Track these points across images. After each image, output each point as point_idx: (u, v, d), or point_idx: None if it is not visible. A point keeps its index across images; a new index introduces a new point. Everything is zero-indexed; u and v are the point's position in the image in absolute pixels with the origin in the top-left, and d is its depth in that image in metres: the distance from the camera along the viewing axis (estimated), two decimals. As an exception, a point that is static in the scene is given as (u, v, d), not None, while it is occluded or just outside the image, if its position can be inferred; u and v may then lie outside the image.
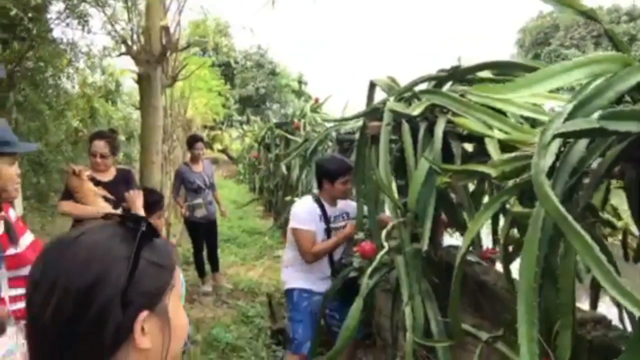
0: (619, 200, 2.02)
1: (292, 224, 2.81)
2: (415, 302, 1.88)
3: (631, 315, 1.66)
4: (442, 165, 1.81)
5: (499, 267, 2.06)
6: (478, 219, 1.41)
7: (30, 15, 4.04)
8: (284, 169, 5.97)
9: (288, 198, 5.44)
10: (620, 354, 1.33)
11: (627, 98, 1.16)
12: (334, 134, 3.98)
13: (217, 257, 5.07)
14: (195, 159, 4.85)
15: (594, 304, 1.83)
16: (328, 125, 4.76)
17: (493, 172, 1.53)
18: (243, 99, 24.15)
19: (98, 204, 2.91)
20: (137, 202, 2.46)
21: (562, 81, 1.07)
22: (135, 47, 3.55)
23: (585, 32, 22.92)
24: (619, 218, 1.90)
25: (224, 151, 18.41)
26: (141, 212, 2.46)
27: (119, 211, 3.04)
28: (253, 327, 3.90)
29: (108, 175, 3.13)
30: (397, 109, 1.96)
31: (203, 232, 4.89)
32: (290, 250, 2.91)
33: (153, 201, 2.63)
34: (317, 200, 2.84)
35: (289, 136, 6.53)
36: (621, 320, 1.68)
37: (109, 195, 2.98)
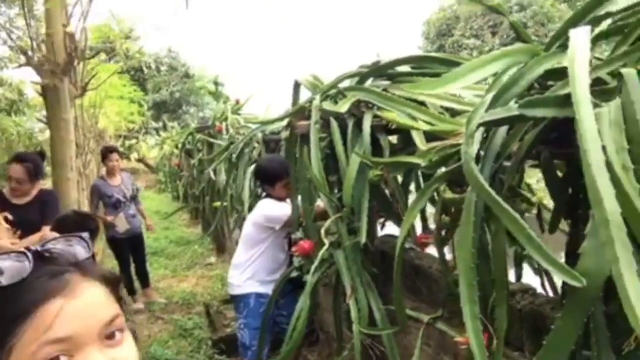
0: (532, 178, 2.21)
1: (282, 218, 2.72)
2: (359, 295, 1.93)
3: (552, 283, 1.83)
4: (373, 159, 1.87)
5: (430, 251, 2.18)
6: (413, 208, 1.48)
7: None
8: (212, 174, 5.82)
9: (217, 204, 5.32)
10: (547, 318, 1.47)
11: (536, 85, 1.28)
12: (259, 135, 3.94)
13: (146, 272, 4.86)
14: (111, 172, 4.59)
15: (518, 277, 1.99)
16: (253, 126, 4.71)
17: (422, 162, 1.61)
18: (157, 105, 23.13)
19: (-1, 234, 2.67)
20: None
21: (483, 74, 1.15)
22: (36, 57, 3.28)
23: (483, 22, 24.57)
24: (533, 194, 2.08)
25: (141, 161, 17.58)
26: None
27: (16, 239, 2.79)
28: (193, 340, 3.78)
29: (24, 199, 2.90)
30: (325, 107, 1.99)
31: (129, 248, 4.65)
32: (246, 251, 2.83)
33: (89, 229, 2.30)
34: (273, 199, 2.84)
35: (212, 140, 6.37)
36: (544, 287, 1.84)
37: (5, 225, 2.74)
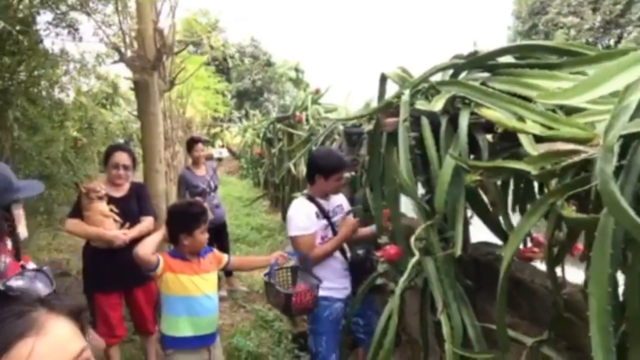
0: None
1: (290, 232, 2.68)
2: (452, 310, 1.76)
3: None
4: (471, 162, 1.68)
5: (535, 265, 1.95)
6: (524, 223, 1.29)
7: (18, 28, 3.89)
8: (292, 168, 5.82)
9: (297, 194, 5.33)
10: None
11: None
12: (341, 127, 3.84)
13: (229, 262, 4.97)
14: (196, 162, 4.72)
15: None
16: (332, 118, 4.62)
17: (532, 170, 1.40)
18: (240, 93, 23.93)
19: (104, 225, 2.81)
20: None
21: (628, 78, 0.93)
22: (129, 53, 3.41)
23: (582, -2, 22.50)
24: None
25: (223, 147, 18.24)
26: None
27: (126, 230, 2.93)
28: (273, 332, 3.81)
29: (121, 191, 3.03)
30: (418, 106, 1.82)
31: (212, 237, 4.77)
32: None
33: (194, 214, 2.43)
34: (310, 199, 2.72)
35: (292, 130, 6.38)
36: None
37: (117, 218, 2.88)
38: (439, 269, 1.79)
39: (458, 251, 1.66)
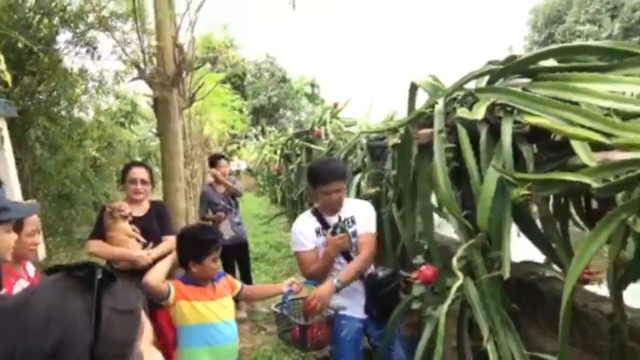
0: None
1: (292, 247, 2.60)
2: (500, 338, 1.60)
3: None
4: (518, 175, 1.53)
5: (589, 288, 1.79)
6: (592, 242, 1.14)
7: (39, 47, 3.90)
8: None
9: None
10: None
11: None
12: (363, 140, 3.72)
13: (250, 280, 4.85)
14: (218, 179, 4.65)
15: None
16: (354, 131, 4.51)
17: (593, 182, 1.26)
18: (256, 110, 24.05)
19: (127, 245, 2.72)
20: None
21: None
22: (148, 70, 3.36)
23: (600, 5, 22.21)
24: None
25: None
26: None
27: (150, 250, 2.83)
28: (296, 355, 3.65)
29: (142, 210, 2.95)
30: (460, 114, 1.69)
31: (233, 255, 4.67)
32: None
33: (204, 241, 2.23)
34: (315, 213, 2.56)
35: (311, 145, 6.28)
36: None
37: (141, 238, 2.78)
38: (484, 292, 1.64)
39: (506, 273, 1.51)
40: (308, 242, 2.50)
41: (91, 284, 0.65)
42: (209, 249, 2.20)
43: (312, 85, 21.17)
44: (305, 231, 2.51)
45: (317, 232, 2.52)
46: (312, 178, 2.51)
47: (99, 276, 0.66)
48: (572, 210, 1.83)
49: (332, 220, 2.53)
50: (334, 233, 2.48)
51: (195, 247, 2.19)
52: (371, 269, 2.60)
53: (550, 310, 1.90)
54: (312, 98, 21.70)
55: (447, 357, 2.44)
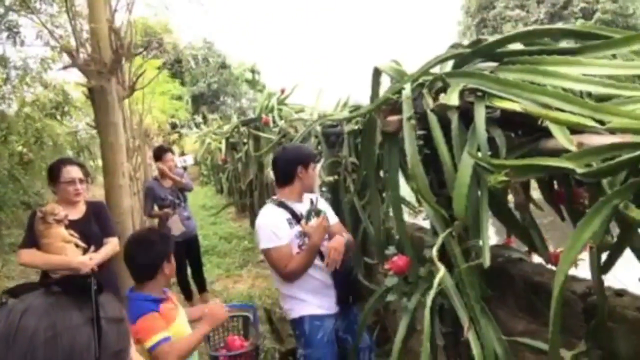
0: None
1: (261, 244, 2.35)
2: (481, 327, 1.58)
3: None
4: (495, 161, 1.50)
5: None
6: (584, 229, 1.11)
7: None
8: (271, 174, 5.54)
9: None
10: None
11: None
12: (318, 128, 3.62)
13: (203, 276, 4.67)
14: (166, 174, 4.38)
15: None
16: (306, 117, 4.40)
17: (577, 167, 1.23)
18: (195, 97, 23.22)
19: (66, 252, 2.47)
20: None
21: None
22: (82, 57, 3.05)
23: (528, -8, 23.31)
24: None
25: (183, 154, 17.67)
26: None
27: (91, 254, 2.60)
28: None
29: (78, 212, 2.68)
30: (443, 101, 1.62)
31: (184, 251, 4.45)
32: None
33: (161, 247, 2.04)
34: (281, 204, 2.42)
35: (259, 133, 6.10)
36: None
37: (80, 243, 2.54)
38: (463, 282, 1.61)
39: (487, 262, 1.48)
40: (283, 234, 2.32)
41: (86, 296, 0.66)
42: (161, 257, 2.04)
43: (253, 71, 20.71)
44: (279, 223, 2.34)
45: (290, 223, 2.37)
46: (302, 158, 2.42)
47: (95, 287, 0.67)
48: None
49: (299, 208, 2.43)
50: (307, 220, 2.37)
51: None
52: None
53: (520, 291, 1.91)
54: (253, 84, 21.25)
55: (416, 342, 2.43)
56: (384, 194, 2.54)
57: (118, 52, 3.03)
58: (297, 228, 2.38)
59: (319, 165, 3.27)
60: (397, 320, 2.81)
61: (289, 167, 2.43)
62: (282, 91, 6.30)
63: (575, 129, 1.33)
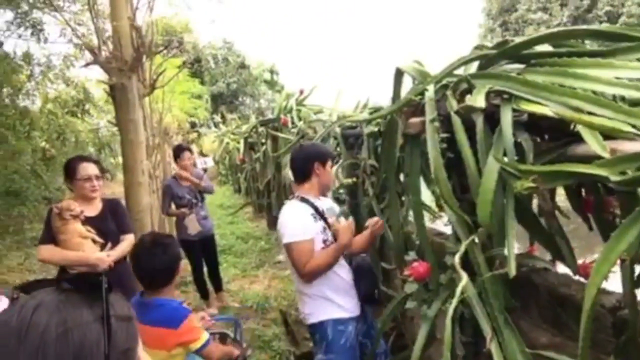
0: None
1: (284, 239, 2.29)
2: (504, 338, 1.52)
3: None
4: (522, 167, 1.44)
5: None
6: (618, 241, 1.06)
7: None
8: (289, 175, 5.52)
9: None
10: None
11: None
12: (337, 129, 3.58)
13: (219, 275, 4.66)
14: (184, 178, 4.39)
15: None
16: (325, 118, 4.37)
17: (611, 175, 1.18)
18: (214, 97, 23.39)
19: (83, 248, 2.47)
20: None
21: None
22: (103, 54, 3.07)
23: (551, -6, 22.90)
24: None
25: (201, 153, 17.82)
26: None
27: (108, 251, 2.61)
28: (272, 352, 3.51)
29: (94, 209, 2.69)
30: (469, 103, 1.57)
31: (200, 250, 4.46)
32: None
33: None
34: (303, 200, 2.38)
35: (277, 134, 6.09)
36: None
37: (98, 239, 2.54)
38: (486, 291, 1.55)
39: (512, 271, 1.43)
40: (308, 229, 2.27)
41: (97, 294, 0.67)
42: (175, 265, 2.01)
43: (271, 71, 20.79)
44: (305, 217, 2.31)
45: (315, 218, 2.33)
46: (319, 155, 2.43)
47: (105, 286, 0.68)
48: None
49: (319, 204, 2.40)
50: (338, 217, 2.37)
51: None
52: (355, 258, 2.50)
53: (544, 302, 1.84)
54: (272, 85, 21.31)
55: (435, 350, 2.37)
56: (402, 198, 2.48)
57: (139, 50, 3.04)
58: (321, 223, 2.34)
59: (336, 166, 3.24)
60: (415, 327, 2.77)
61: (306, 164, 2.42)
62: (301, 92, 6.28)
63: (606, 134, 1.27)
